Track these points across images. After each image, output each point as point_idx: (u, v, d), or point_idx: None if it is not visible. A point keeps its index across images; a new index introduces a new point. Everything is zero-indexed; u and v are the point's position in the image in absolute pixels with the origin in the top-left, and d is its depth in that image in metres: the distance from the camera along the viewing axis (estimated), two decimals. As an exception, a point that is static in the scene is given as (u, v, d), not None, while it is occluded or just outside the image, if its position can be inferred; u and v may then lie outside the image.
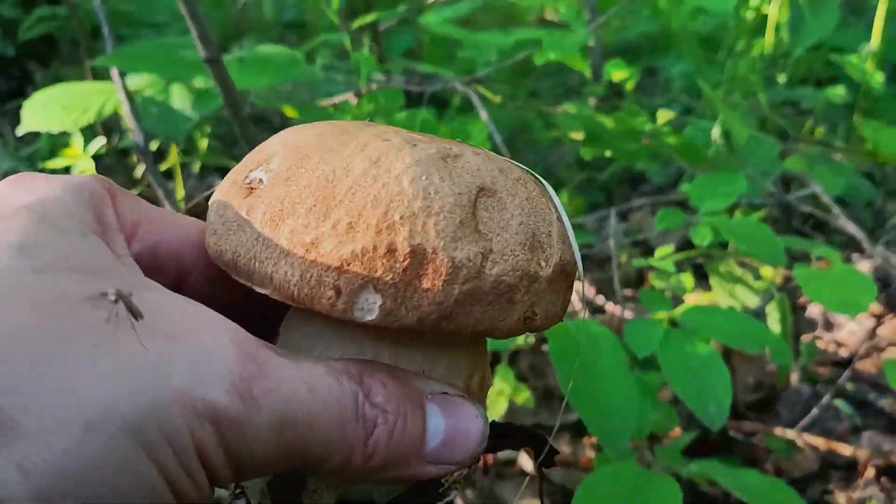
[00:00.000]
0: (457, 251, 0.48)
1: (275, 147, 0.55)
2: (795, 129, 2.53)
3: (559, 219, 0.56)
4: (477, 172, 0.51)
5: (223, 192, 0.55)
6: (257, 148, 0.57)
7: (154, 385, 0.39)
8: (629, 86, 2.32)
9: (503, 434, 0.61)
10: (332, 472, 0.48)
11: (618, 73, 2.22)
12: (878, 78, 2.34)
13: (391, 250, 0.47)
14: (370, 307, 0.48)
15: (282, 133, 0.57)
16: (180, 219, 0.60)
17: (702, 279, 1.79)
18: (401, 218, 0.48)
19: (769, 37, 2.55)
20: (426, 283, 0.48)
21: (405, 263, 0.47)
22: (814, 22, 2.48)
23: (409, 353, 0.54)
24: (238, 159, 0.60)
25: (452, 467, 0.52)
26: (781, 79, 2.63)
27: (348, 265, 0.47)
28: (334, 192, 0.49)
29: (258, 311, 0.60)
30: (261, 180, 0.52)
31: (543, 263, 0.52)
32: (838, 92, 2.43)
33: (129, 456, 0.37)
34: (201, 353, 0.42)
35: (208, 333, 0.43)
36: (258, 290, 0.50)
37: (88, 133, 1.91)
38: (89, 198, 0.50)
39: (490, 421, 0.59)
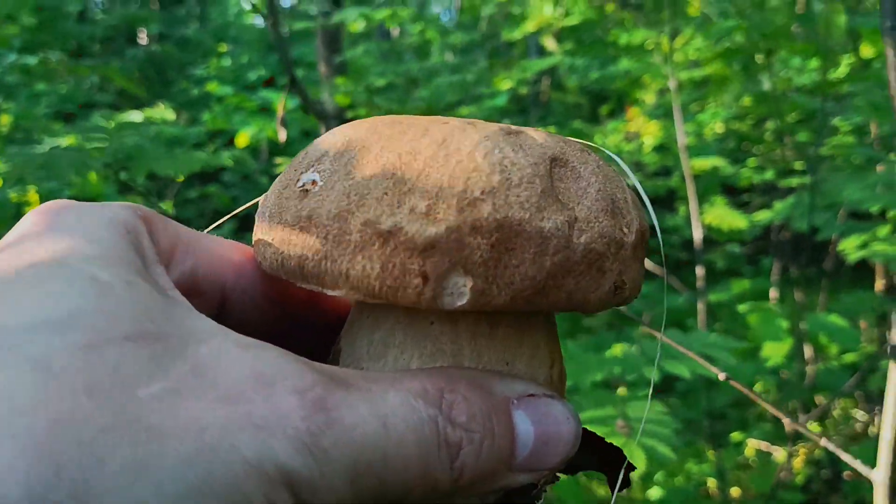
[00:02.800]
0: (544, 221, 0.46)
1: (322, 148, 0.52)
2: None
3: (630, 186, 0.54)
4: (544, 144, 0.50)
5: (273, 200, 0.52)
6: (300, 154, 0.54)
7: (225, 460, 0.37)
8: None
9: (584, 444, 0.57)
10: (416, 499, 0.45)
11: None
12: None
13: (476, 227, 0.45)
14: (460, 291, 0.45)
15: (324, 136, 0.54)
16: (215, 240, 0.57)
17: None
18: (482, 193, 0.45)
19: None
20: (516, 258, 0.45)
21: (493, 239, 0.45)
22: None
23: (490, 344, 0.51)
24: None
25: (544, 473, 0.49)
26: None
27: (433, 249, 0.45)
28: (405, 177, 0.46)
29: (305, 326, 0.58)
30: (314, 181, 0.49)
31: (626, 230, 0.50)
32: None
33: None
34: (266, 414, 0.39)
35: (270, 385, 0.40)
36: (330, 292, 0.47)
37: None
38: (125, 231, 0.47)
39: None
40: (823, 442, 1.02)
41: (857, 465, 0.99)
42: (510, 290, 0.46)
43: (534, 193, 0.47)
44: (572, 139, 0.55)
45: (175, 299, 0.46)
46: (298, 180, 0.50)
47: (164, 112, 3.17)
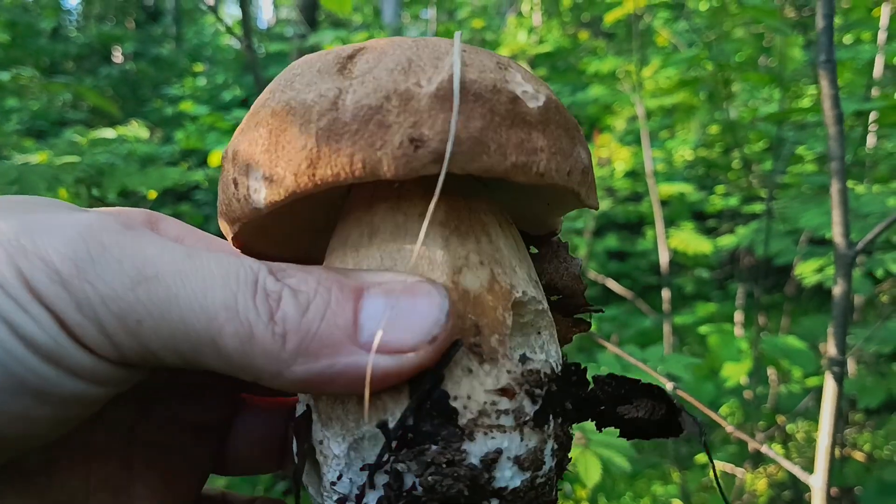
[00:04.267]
0: (308, 94, 0.47)
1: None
2: None
3: (449, 54, 0.49)
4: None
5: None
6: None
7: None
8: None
9: (630, 393, 0.54)
10: (241, 357, 0.43)
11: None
12: None
13: (257, 124, 0.51)
14: (256, 189, 0.49)
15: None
16: (219, 240, 0.61)
17: None
18: (271, 92, 0.52)
19: None
20: (287, 136, 0.47)
21: (270, 128, 0.49)
22: None
23: (367, 252, 0.52)
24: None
25: (404, 357, 0.44)
26: None
27: (234, 160, 0.52)
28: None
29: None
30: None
31: (423, 82, 0.46)
32: None
33: None
34: (46, 223, 0.45)
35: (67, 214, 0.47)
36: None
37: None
38: (130, 220, 0.51)
39: (608, 374, 0.54)
40: (764, 449, 1.06)
41: (797, 470, 1.04)
42: (290, 168, 0.47)
43: (308, 76, 0.49)
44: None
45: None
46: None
47: (137, 130, 3.18)
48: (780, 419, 3.35)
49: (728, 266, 5.95)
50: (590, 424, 1.35)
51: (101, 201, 2.18)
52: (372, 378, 0.44)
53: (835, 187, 0.95)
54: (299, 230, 0.61)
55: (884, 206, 2.19)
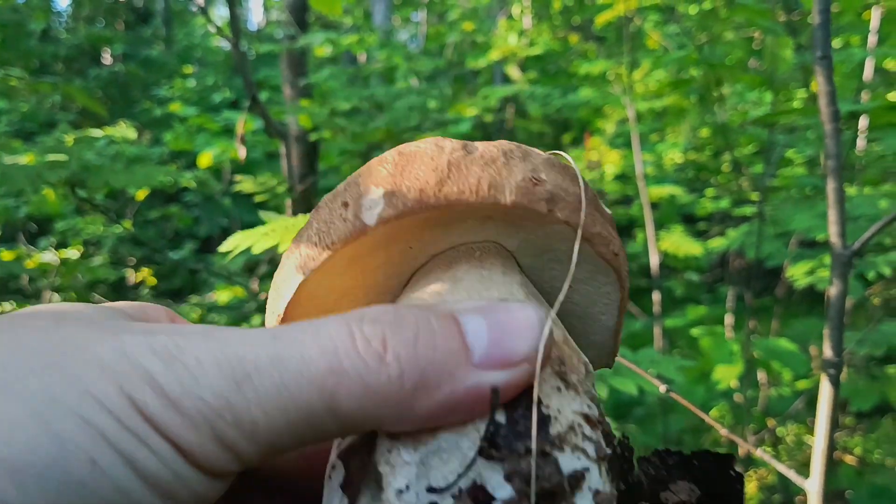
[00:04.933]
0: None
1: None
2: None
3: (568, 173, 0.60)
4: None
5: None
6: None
7: (85, 372, 0.40)
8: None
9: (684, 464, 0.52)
10: (363, 413, 0.42)
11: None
12: None
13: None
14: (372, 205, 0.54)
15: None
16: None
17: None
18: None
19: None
20: (416, 165, 0.54)
21: (396, 163, 0.55)
22: None
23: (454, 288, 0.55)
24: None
25: (518, 368, 0.44)
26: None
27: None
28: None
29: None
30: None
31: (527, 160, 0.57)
32: None
33: (75, 439, 0.37)
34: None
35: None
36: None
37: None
38: (129, 314, 0.51)
39: (654, 451, 0.53)
40: (759, 453, 1.05)
41: (791, 474, 1.02)
42: (417, 184, 0.52)
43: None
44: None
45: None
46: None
47: (125, 131, 3.15)
48: (771, 422, 3.35)
49: (718, 269, 5.95)
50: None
51: (87, 202, 2.15)
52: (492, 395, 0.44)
53: (831, 186, 0.94)
54: (360, 290, 0.63)
55: (875, 209, 2.19)
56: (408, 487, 0.45)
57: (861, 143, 3.01)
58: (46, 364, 0.40)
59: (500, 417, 0.45)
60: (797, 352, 2.36)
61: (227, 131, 5.04)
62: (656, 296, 3.26)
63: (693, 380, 2.81)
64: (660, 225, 4.03)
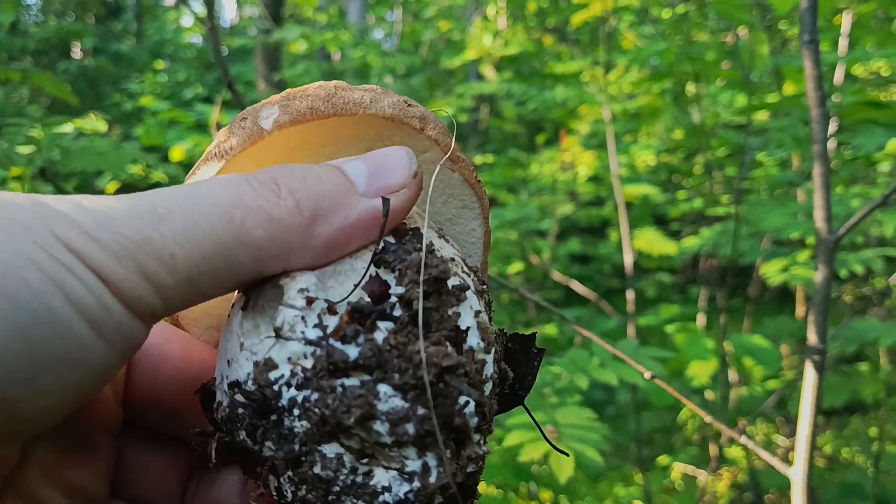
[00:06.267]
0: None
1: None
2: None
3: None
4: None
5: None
6: None
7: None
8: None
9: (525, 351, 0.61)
10: (271, 241, 0.48)
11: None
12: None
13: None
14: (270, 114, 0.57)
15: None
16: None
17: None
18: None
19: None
20: (309, 91, 0.60)
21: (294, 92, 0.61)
22: None
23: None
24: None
25: (399, 193, 0.53)
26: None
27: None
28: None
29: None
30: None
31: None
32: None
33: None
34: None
35: None
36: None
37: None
38: None
39: (515, 333, 0.62)
40: (743, 440, 1.05)
41: (775, 462, 1.02)
42: (307, 101, 0.57)
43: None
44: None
45: None
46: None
47: (95, 123, 3.09)
48: (741, 421, 3.37)
49: (690, 271, 6.00)
50: (563, 418, 1.34)
51: (60, 192, 2.10)
52: (383, 218, 0.51)
53: (817, 171, 0.93)
54: None
55: (848, 209, 2.21)
56: (307, 289, 0.50)
57: (831, 144, 3.04)
58: None
59: (391, 239, 0.53)
60: (771, 347, 2.38)
61: (200, 126, 4.97)
62: (630, 294, 3.27)
63: (667, 377, 2.82)
64: (633, 226, 4.05)
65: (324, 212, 0.49)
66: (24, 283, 0.39)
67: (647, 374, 1.08)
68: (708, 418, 1.08)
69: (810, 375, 0.96)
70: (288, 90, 0.61)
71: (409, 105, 0.60)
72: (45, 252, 0.40)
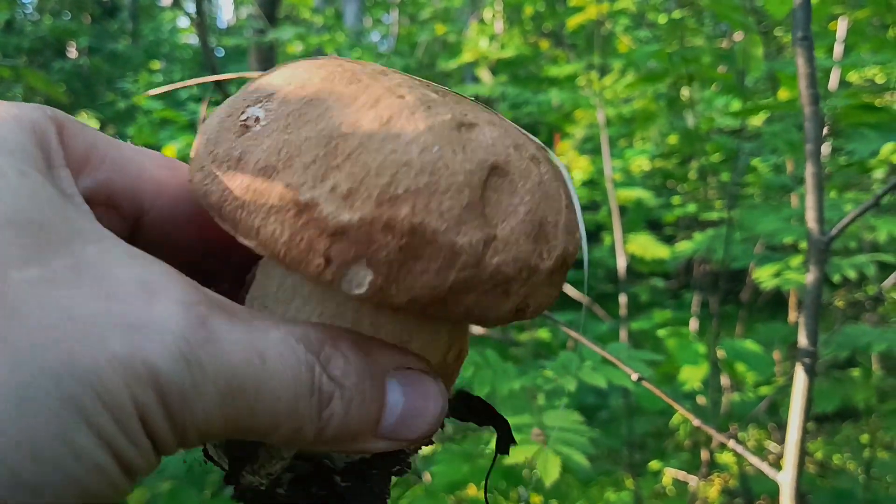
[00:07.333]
0: (459, 236, 0.44)
1: (276, 83, 0.50)
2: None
3: (569, 206, 0.52)
4: (491, 148, 0.47)
5: (216, 124, 0.49)
6: (257, 80, 0.52)
7: (90, 350, 0.35)
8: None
9: (469, 406, 0.59)
10: (281, 441, 0.45)
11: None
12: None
13: (389, 226, 0.43)
14: (360, 281, 0.44)
15: (285, 68, 0.52)
16: (138, 152, 0.53)
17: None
18: (405, 192, 0.43)
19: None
20: (421, 266, 0.44)
21: (402, 242, 0.43)
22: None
23: (391, 320, 0.51)
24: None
25: (404, 444, 0.50)
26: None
27: (342, 235, 0.43)
28: (337, 151, 0.44)
29: (225, 262, 0.56)
30: (258, 119, 0.48)
31: (546, 255, 0.48)
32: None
33: (66, 426, 0.34)
34: (144, 316, 0.38)
35: (154, 293, 0.39)
36: (241, 240, 0.46)
37: None
38: (31, 129, 0.44)
39: (459, 389, 0.59)
40: (731, 443, 1.03)
41: (764, 466, 1.01)
42: (408, 294, 0.44)
43: (457, 205, 0.44)
44: (530, 138, 0.53)
45: (73, 199, 0.44)
46: (244, 112, 0.48)
47: (86, 120, 3.08)
48: (733, 426, 3.36)
49: (683, 276, 6.00)
50: (550, 421, 1.33)
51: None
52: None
53: (809, 170, 0.92)
54: None
55: (841, 213, 2.20)
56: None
57: (825, 149, 3.04)
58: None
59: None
60: (762, 353, 2.37)
61: (194, 126, 4.97)
62: (623, 298, 3.26)
63: (658, 381, 2.82)
64: (627, 230, 4.05)
65: (336, 441, 0.47)
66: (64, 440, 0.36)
67: (635, 376, 1.06)
68: (696, 422, 1.06)
69: (800, 378, 0.95)
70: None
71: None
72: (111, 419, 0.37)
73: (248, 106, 0.49)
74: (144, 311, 0.38)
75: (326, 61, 0.52)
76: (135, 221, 0.53)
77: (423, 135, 0.45)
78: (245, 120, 0.48)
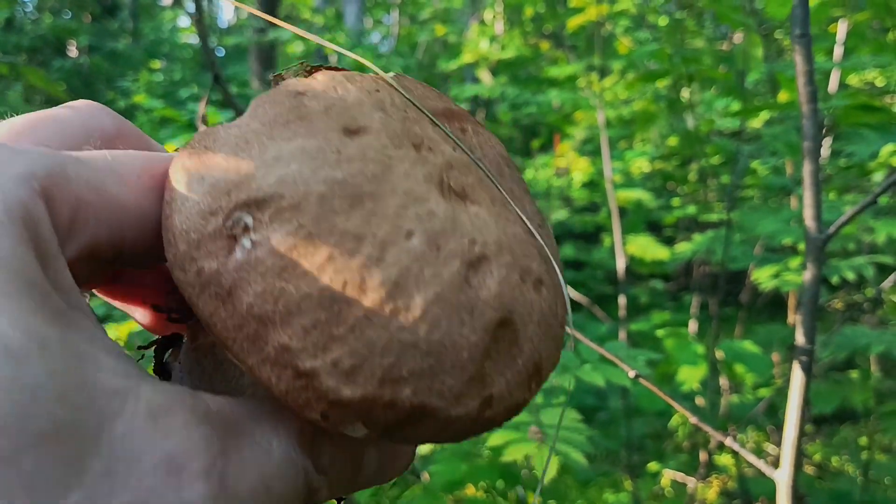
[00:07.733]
0: (458, 408, 0.44)
1: (270, 179, 0.43)
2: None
3: (563, 324, 0.50)
4: (498, 298, 0.44)
5: (195, 202, 0.43)
6: (246, 146, 0.44)
7: None
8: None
9: None
10: None
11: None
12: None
13: (390, 405, 0.42)
14: (355, 431, 0.44)
15: (283, 145, 0.44)
16: (119, 180, 0.46)
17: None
18: (409, 374, 0.42)
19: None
20: (419, 430, 0.44)
21: (402, 416, 0.43)
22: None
23: None
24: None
25: (379, 483, 0.53)
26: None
27: (342, 406, 0.42)
28: (339, 318, 0.41)
29: None
30: (246, 227, 0.42)
31: (534, 388, 0.48)
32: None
33: None
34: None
35: (179, 475, 0.39)
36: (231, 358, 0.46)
37: None
38: (23, 223, 0.38)
39: None
40: (728, 441, 1.03)
41: (761, 464, 1.01)
42: (402, 440, 0.46)
43: (459, 382, 0.43)
44: (530, 230, 0.49)
45: (75, 317, 0.40)
46: (231, 213, 0.42)
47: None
48: (731, 428, 3.36)
49: (682, 278, 6.00)
50: (548, 419, 1.33)
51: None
52: None
53: (807, 168, 0.92)
54: None
55: (840, 215, 2.20)
56: None
57: (824, 152, 3.04)
58: None
59: None
60: (761, 354, 2.37)
61: (193, 125, 4.96)
62: (622, 299, 3.26)
63: (656, 381, 2.81)
64: (627, 231, 4.05)
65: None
66: None
67: (632, 373, 1.06)
68: (693, 419, 1.06)
69: (798, 377, 0.95)
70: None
71: None
72: None
73: (237, 204, 0.42)
74: (175, 499, 0.38)
75: (332, 139, 0.44)
76: (115, 256, 0.50)
77: (432, 307, 0.42)
78: (232, 227, 0.42)
